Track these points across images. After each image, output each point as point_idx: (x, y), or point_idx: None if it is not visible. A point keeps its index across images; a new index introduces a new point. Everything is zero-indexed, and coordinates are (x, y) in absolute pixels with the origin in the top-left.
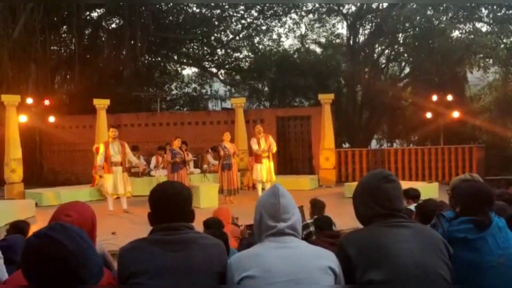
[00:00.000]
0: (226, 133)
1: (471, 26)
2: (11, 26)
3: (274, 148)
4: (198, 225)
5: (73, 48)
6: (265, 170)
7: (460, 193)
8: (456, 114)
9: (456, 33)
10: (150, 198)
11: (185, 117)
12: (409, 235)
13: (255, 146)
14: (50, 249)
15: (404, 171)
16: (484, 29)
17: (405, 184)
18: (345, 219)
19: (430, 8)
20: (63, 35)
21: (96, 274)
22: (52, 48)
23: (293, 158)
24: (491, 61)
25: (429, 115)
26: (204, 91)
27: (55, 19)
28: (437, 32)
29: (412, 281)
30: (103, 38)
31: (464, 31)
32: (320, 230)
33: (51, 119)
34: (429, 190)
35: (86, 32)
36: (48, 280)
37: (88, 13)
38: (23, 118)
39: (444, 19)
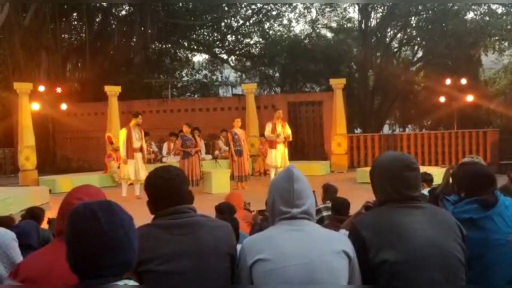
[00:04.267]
0: (237, 119)
1: (486, 8)
2: (22, 14)
3: (291, 136)
4: (210, 210)
5: (83, 35)
6: (279, 155)
7: (460, 178)
8: (470, 98)
9: (470, 15)
10: (146, 186)
11: (196, 103)
12: (423, 216)
13: (268, 130)
14: (88, 222)
15: (417, 156)
16: (499, 11)
17: None
18: (357, 204)
19: None
20: (73, 23)
21: (132, 259)
22: (63, 35)
23: (305, 144)
24: (506, 43)
25: (442, 99)
26: (214, 77)
27: (65, 6)
28: (451, 14)
29: (426, 261)
30: (113, 26)
31: (479, 12)
32: (336, 213)
33: (63, 106)
34: (442, 175)
35: (96, 19)
36: (92, 256)
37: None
38: (35, 106)
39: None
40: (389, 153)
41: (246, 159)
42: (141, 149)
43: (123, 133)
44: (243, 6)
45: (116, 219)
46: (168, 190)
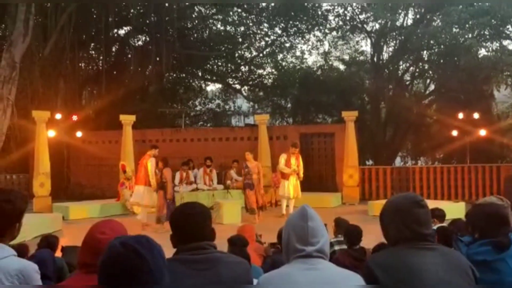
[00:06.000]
0: (246, 152)
1: (497, 45)
2: (43, 44)
3: (301, 173)
4: (222, 242)
5: (100, 64)
6: (292, 187)
7: (474, 218)
8: (483, 132)
9: (482, 51)
10: (171, 221)
11: (209, 133)
12: (435, 257)
13: (282, 162)
14: (133, 261)
15: (430, 189)
16: (511, 47)
17: (430, 204)
18: (368, 237)
19: (455, 26)
20: (91, 52)
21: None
22: (80, 64)
23: (317, 175)
24: None
25: (455, 133)
26: (227, 107)
27: (84, 37)
28: (462, 50)
29: None
30: (129, 55)
31: (490, 49)
32: (349, 241)
33: (79, 134)
34: (455, 210)
35: (113, 49)
36: None
37: (115, 30)
38: (51, 133)
39: (469, 36)
40: (397, 194)
41: (258, 192)
42: None
43: (153, 163)
44: (257, 38)
45: (156, 252)
46: (191, 225)
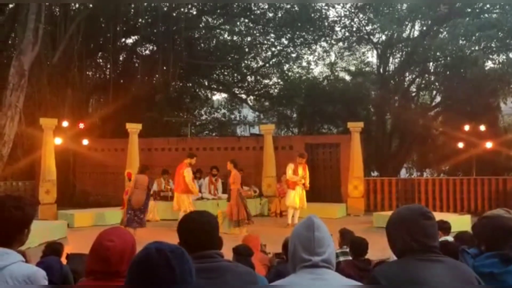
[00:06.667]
0: (228, 162)
1: (504, 57)
2: (51, 52)
3: (308, 183)
4: (226, 251)
5: (108, 72)
6: (298, 197)
7: (480, 231)
8: (489, 144)
9: (489, 64)
10: (179, 229)
11: (214, 142)
12: (442, 269)
13: (289, 172)
14: (162, 269)
15: (435, 201)
16: None
17: (436, 216)
18: (374, 249)
19: (462, 38)
20: (98, 61)
21: None
22: (87, 73)
23: (321, 186)
24: None
25: (461, 145)
26: (233, 116)
27: (92, 45)
28: (469, 62)
29: None
30: (137, 64)
31: (497, 61)
32: (354, 253)
33: (85, 142)
34: (461, 222)
35: (121, 58)
36: None
37: (123, 39)
38: (58, 141)
39: (476, 48)
40: (403, 206)
41: (233, 203)
42: None
43: (191, 172)
44: (263, 48)
45: (187, 267)
46: (198, 234)
